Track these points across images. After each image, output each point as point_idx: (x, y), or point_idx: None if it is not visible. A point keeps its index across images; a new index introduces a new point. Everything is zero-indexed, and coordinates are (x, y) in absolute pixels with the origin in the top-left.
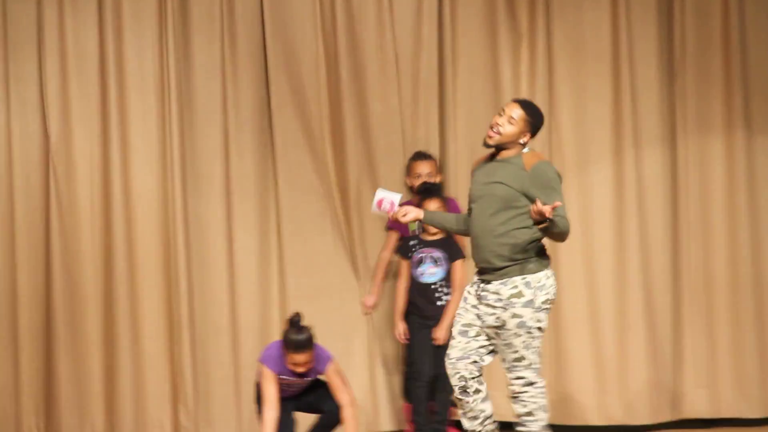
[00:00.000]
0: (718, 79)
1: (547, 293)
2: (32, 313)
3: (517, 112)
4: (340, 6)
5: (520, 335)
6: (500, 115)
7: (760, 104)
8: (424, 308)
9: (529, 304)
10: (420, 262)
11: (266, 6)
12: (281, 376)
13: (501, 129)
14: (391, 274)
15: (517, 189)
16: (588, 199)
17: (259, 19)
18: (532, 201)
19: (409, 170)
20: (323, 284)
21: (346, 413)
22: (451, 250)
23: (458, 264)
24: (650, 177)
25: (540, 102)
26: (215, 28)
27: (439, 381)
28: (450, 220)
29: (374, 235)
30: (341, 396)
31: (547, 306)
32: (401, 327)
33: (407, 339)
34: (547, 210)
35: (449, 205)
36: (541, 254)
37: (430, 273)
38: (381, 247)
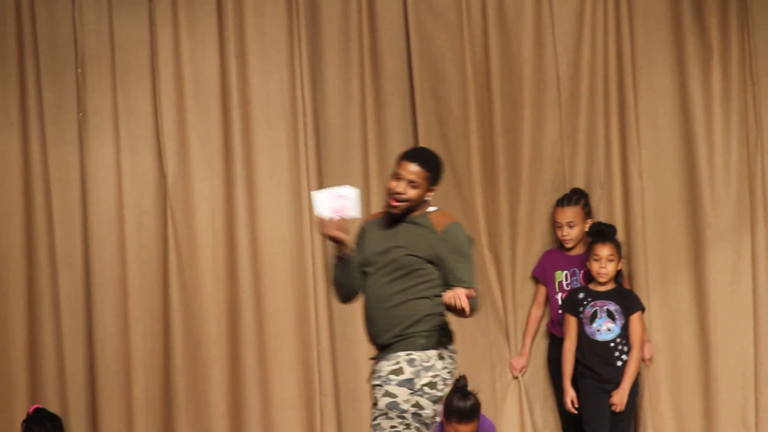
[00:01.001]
0: None
1: (434, 375)
2: (148, 380)
3: (416, 171)
4: (492, 22)
5: (391, 418)
6: (397, 179)
7: None
8: (600, 371)
9: (407, 383)
10: (593, 317)
11: (411, 23)
12: None
13: (404, 196)
14: (541, 331)
15: (422, 254)
16: None
17: (403, 38)
18: (439, 267)
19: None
20: (469, 344)
21: None
22: (627, 300)
23: (636, 317)
24: None
25: (737, 128)
26: (353, 47)
27: None
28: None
29: (527, 288)
30: None
31: (432, 392)
32: (571, 393)
33: (576, 408)
34: (463, 302)
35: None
36: (440, 330)
37: (606, 329)
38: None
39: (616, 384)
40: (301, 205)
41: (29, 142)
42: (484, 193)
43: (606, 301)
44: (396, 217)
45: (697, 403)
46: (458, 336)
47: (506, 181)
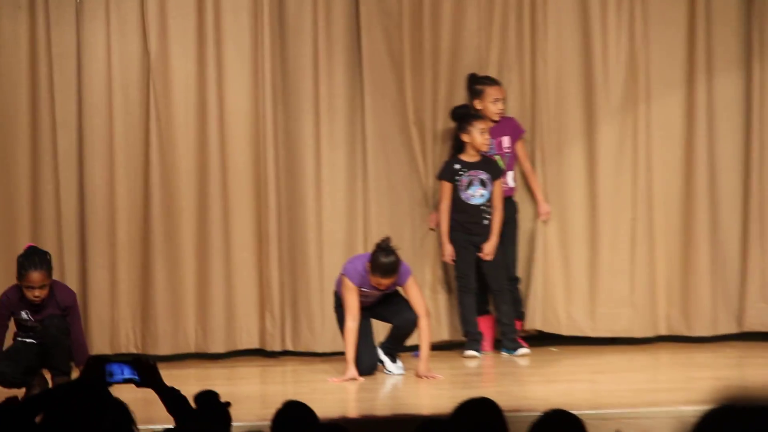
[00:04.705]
0: None
1: None
2: (130, 225)
3: None
4: None
5: None
6: None
7: None
8: (470, 228)
9: None
10: (469, 184)
11: None
12: (363, 289)
13: None
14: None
15: None
16: (661, 123)
17: None
18: None
19: (483, 95)
20: (396, 203)
21: (422, 323)
22: (492, 169)
23: (498, 182)
24: (722, 101)
25: (627, 24)
26: None
27: (499, 295)
28: None
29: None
30: (418, 307)
31: None
32: (449, 248)
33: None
34: None
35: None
36: None
37: (479, 195)
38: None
39: (484, 237)
40: (257, 81)
41: (36, 23)
42: (413, 76)
43: (478, 171)
44: None
45: (583, 255)
46: (392, 191)
47: (431, 66)
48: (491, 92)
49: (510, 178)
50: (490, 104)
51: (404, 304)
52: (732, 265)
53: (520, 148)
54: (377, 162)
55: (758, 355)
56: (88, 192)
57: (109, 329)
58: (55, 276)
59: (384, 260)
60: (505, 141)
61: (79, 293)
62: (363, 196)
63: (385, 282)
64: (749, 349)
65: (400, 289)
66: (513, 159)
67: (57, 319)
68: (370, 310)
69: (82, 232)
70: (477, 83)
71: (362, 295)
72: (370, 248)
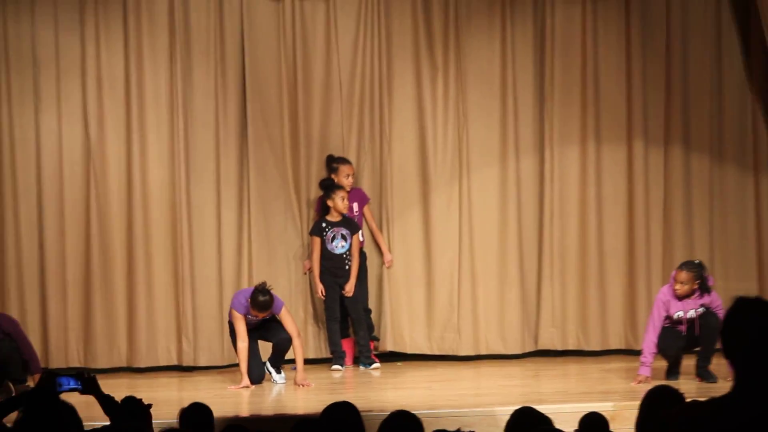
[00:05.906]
0: (576, 103)
1: None
2: (76, 269)
3: None
4: (299, 46)
5: None
6: None
7: (608, 122)
8: (335, 272)
9: None
10: (333, 238)
11: (246, 47)
12: (247, 316)
13: None
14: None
15: None
16: (480, 192)
17: (241, 56)
18: None
19: (338, 171)
20: (276, 252)
21: (295, 342)
22: (351, 226)
23: (356, 236)
24: (526, 175)
25: (453, 119)
26: (210, 61)
27: (357, 323)
28: None
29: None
30: (291, 330)
31: None
32: (320, 287)
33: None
34: None
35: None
36: None
37: (341, 246)
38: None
39: (345, 279)
40: (173, 160)
41: (1, 114)
42: (292, 155)
43: (340, 228)
44: None
45: (422, 292)
46: (270, 241)
47: (305, 147)
48: (344, 169)
49: (359, 234)
50: (343, 178)
51: (280, 327)
52: (532, 299)
53: (367, 212)
54: (258, 221)
55: (549, 368)
56: (45, 244)
57: (63, 349)
58: (17, 311)
59: (260, 299)
60: (355, 206)
61: (39, 323)
62: (248, 246)
63: (262, 315)
64: (543, 363)
65: (277, 316)
66: (361, 220)
67: (4, 341)
68: (256, 331)
69: (42, 275)
70: (333, 162)
71: (248, 320)
72: (252, 284)
